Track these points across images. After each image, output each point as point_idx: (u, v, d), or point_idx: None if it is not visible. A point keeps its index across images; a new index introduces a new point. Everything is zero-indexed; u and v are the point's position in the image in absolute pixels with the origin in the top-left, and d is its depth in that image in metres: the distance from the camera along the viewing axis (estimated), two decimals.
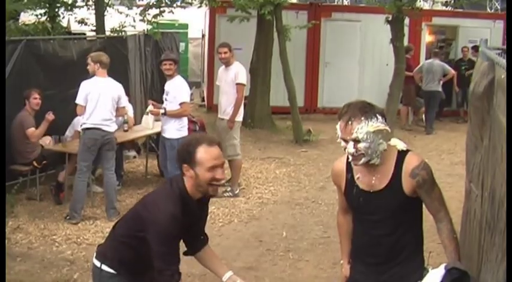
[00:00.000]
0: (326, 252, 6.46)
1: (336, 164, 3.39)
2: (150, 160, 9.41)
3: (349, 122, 3.04)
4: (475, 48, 13.41)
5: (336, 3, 21.61)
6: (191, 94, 8.27)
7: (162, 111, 7.71)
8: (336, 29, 14.74)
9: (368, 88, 14.04)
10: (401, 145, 3.20)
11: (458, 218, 4.48)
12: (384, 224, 3.19)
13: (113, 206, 7.35)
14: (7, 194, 7.45)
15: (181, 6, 13.09)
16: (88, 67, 7.44)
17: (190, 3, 13.55)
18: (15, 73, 8.05)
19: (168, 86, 7.77)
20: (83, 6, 11.92)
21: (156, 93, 10.79)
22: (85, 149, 7.25)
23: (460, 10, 16.11)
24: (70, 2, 11.57)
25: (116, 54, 9.67)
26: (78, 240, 6.72)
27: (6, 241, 6.06)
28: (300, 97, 13.22)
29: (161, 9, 12.01)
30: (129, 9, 12.44)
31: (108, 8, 11.61)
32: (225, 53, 8.25)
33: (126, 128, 8.65)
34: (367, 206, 3.21)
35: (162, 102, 7.89)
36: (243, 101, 8.39)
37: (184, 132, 7.53)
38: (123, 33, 11.53)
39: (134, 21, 11.85)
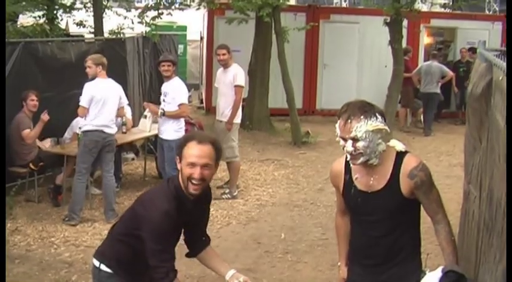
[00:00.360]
0: (324, 254, 6.45)
1: (334, 164, 3.39)
2: (149, 162, 9.41)
3: (349, 121, 3.04)
4: (472, 50, 13.44)
5: (334, 5, 21.62)
6: (189, 96, 8.28)
7: (160, 111, 7.72)
8: (334, 31, 14.75)
9: (366, 90, 14.03)
10: (400, 146, 3.20)
11: (456, 220, 4.48)
12: (381, 224, 3.19)
13: (112, 208, 7.35)
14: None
15: (179, 9, 13.12)
16: (88, 70, 7.36)
17: (189, 5, 13.58)
18: (14, 75, 8.04)
19: (166, 87, 7.77)
20: (81, 8, 11.93)
21: (154, 95, 10.78)
22: (86, 151, 7.24)
23: (459, 12, 16.16)
24: (68, 4, 11.58)
25: (114, 57, 9.65)
26: (77, 242, 6.71)
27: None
28: (298, 99, 13.23)
29: (159, 11, 12.04)
30: (127, 11, 12.44)
31: (106, 10, 11.63)
32: (224, 54, 8.25)
33: (124, 130, 8.65)
34: (365, 207, 3.20)
35: (160, 104, 7.90)
36: (241, 103, 8.40)
37: (182, 134, 7.52)
38: (121, 35, 11.52)
39: (132, 23, 11.86)
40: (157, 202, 3.14)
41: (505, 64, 2.96)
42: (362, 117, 3.03)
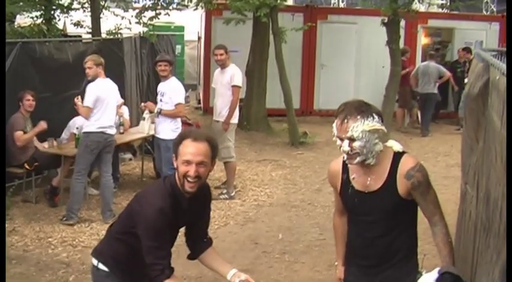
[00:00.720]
0: (322, 254, 6.45)
1: (332, 164, 3.39)
2: (146, 162, 9.40)
3: (345, 120, 3.03)
4: (466, 50, 13.46)
5: (331, 5, 21.61)
6: (187, 97, 8.29)
7: (157, 109, 7.72)
8: (331, 31, 14.74)
9: (364, 90, 14.02)
10: (397, 146, 3.20)
11: (454, 220, 4.49)
12: (378, 225, 3.18)
13: (109, 209, 7.34)
14: None
15: (177, 9, 13.10)
16: (88, 71, 7.26)
17: (186, 6, 13.56)
18: (11, 75, 8.02)
19: (163, 87, 7.78)
20: (78, 9, 11.92)
21: (152, 95, 10.74)
22: (87, 152, 7.23)
23: (456, 12, 16.15)
24: (66, 4, 11.56)
25: (112, 57, 9.65)
26: (74, 242, 6.71)
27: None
28: (296, 99, 13.23)
29: (157, 11, 12.01)
30: (125, 11, 12.43)
31: (104, 10, 11.61)
32: (221, 54, 8.25)
33: (121, 130, 8.64)
34: (361, 207, 3.20)
35: (156, 104, 7.90)
36: (238, 103, 8.39)
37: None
38: (119, 35, 11.52)
39: (130, 23, 11.83)
40: (152, 199, 3.14)
41: (503, 64, 2.96)
42: (359, 117, 3.02)
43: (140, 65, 11.21)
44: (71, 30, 12.86)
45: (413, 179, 3.07)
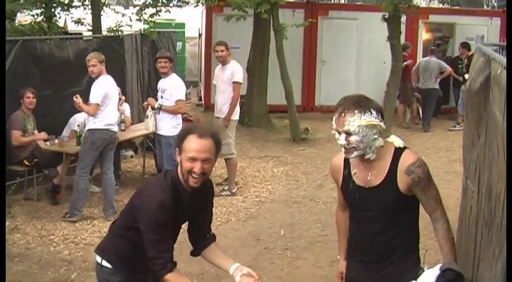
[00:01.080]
0: (324, 250, 6.45)
1: (334, 159, 3.39)
2: (148, 159, 9.39)
3: (342, 114, 3.03)
4: (463, 45, 13.42)
5: (332, 1, 21.56)
6: (188, 93, 8.29)
7: (157, 105, 7.73)
8: (332, 27, 14.73)
9: (365, 86, 13.99)
10: (398, 142, 3.19)
11: (456, 216, 4.47)
12: (378, 221, 3.18)
13: (111, 206, 7.34)
14: None
15: (178, 6, 13.10)
16: (93, 68, 7.22)
17: (187, 3, 13.54)
18: (12, 73, 8.03)
19: (164, 83, 7.79)
20: (79, 6, 11.89)
21: (152, 92, 10.73)
22: (93, 149, 7.22)
23: (457, 7, 16.11)
24: (66, 2, 11.53)
25: (113, 54, 9.65)
26: (76, 240, 6.71)
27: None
28: (297, 95, 13.23)
29: (158, 8, 12.00)
30: (125, 8, 12.46)
31: (104, 7, 11.60)
32: (222, 51, 8.24)
33: (123, 128, 8.64)
34: (362, 202, 3.20)
35: (157, 100, 7.90)
36: (239, 100, 8.39)
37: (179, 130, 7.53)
38: (119, 32, 11.51)
39: (131, 20, 11.83)
40: (153, 193, 3.13)
41: (503, 58, 2.95)
42: (356, 111, 3.02)
43: (141, 62, 11.20)
44: (72, 27, 12.85)
45: (414, 175, 3.06)
